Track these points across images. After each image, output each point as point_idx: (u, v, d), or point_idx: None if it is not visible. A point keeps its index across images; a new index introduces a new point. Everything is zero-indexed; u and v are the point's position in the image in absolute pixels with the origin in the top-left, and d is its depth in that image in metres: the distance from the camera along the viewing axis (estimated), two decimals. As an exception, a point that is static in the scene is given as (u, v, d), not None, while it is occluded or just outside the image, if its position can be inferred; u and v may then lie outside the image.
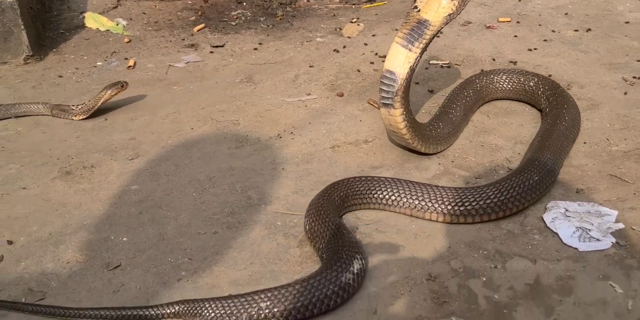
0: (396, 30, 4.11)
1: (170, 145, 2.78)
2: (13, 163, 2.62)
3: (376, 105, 3.08)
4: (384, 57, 3.66)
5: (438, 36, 2.52)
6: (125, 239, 2.16)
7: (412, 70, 2.36)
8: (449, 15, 2.33)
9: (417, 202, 2.23)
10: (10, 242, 2.13)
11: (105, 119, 2.99)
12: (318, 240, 2.04)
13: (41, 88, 3.31)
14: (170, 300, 1.84)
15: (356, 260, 1.91)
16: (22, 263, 2.04)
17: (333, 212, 2.15)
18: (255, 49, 3.85)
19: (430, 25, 2.32)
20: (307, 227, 2.12)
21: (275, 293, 1.80)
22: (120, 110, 3.08)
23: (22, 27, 3.44)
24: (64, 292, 1.92)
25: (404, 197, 2.25)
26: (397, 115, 2.39)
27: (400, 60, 2.34)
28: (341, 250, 1.94)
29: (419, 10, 2.33)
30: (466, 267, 1.99)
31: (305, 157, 2.66)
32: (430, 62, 3.56)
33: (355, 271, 1.88)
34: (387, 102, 2.38)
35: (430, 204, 2.21)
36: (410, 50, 2.33)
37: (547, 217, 2.20)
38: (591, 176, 2.46)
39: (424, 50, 2.37)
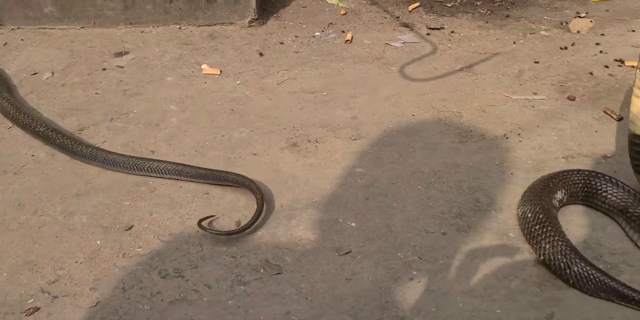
0: (633, 31, 3.71)
1: (391, 129, 2.71)
2: (244, 127, 2.70)
3: (615, 116, 2.79)
4: (620, 61, 3.33)
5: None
6: (353, 224, 2.14)
7: None
8: None
9: None
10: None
11: (326, 94, 2.99)
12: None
13: (265, 53, 3.38)
14: (403, 299, 1.80)
15: None
16: (258, 231, 2.09)
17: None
18: (474, 35, 3.65)
19: None
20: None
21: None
22: (341, 85, 3.06)
23: (252, -10, 3.52)
24: (299, 269, 1.93)
25: None
26: None
27: None
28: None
29: None
30: None
31: (535, 164, 2.48)
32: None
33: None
34: None
35: None
36: None
37: None
38: None
39: None
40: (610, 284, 1.82)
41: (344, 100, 2.94)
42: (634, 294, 1.79)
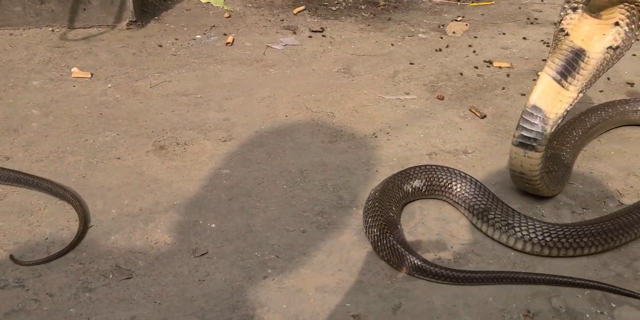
0: (504, 33, 3.92)
1: (263, 130, 2.72)
2: (110, 130, 2.62)
3: (479, 114, 2.92)
4: (489, 62, 3.50)
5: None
6: (213, 225, 2.12)
7: (566, 111, 2.03)
8: (613, 48, 1.94)
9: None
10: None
11: (201, 96, 2.96)
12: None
13: (141, 55, 3.31)
14: (255, 297, 1.79)
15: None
16: (112, 237, 2.03)
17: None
18: (355, 38, 3.73)
19: (586, 57, 1.97)
20: None
21: None
22: (217, 88, 3.04)
23: (129, -9, 3.44)
24: (151, 273, 1.89)
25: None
26: (536, 158, 2.06)
27: (550, 96, 2.01)
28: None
29: (567, 35, 1.99)
30: (569, 308, 1.84)
31: (400, 161, 2.55)
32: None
33: None
34: (528, 143, 2.05)
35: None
36: (563, 86, 2.00)
37: (662, 264, 2.03)
38: None
39: (584, 88, 2.02)
40: (408, 257, 1.92)
41: (218, 102, 2.92)
42: (430, 267, 1.90)
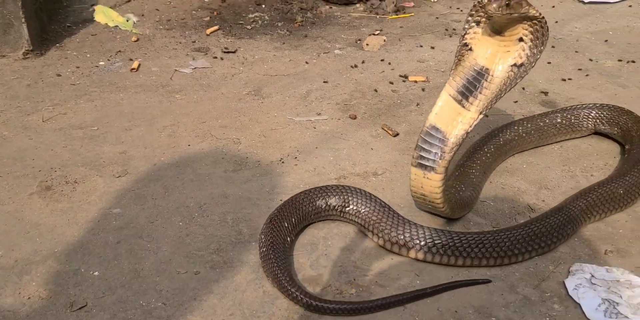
0: (421, 46, 3.86)
1: (162, 162, 2.56)
2: (-10, 172, 2.43)
3: (391, 133, 2.83)
4: (405, 76, 3.43)
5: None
6: (96, 273, 1.95)
7: (466, 132, 1.94)
8: (517, 65, 1.86)
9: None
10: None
11: (97, 128, 2.78)
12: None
13: (36, 87, 3.11)
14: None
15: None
16: (-23, 296, 1.84)
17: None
18: (269, 57, 3.62)
19: (489, 76, 1.88)
20: None
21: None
22: (116, 118, 2.87)
23: (23, 20, 3.24)
24: (18, 335, 1.71)
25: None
26: (436, 180, 1.98)
27: (449, 116, 1.92)
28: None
29: (470, 49, 1.90)
30: None
31: (307, 187, 2.42)
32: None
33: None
34: (427, 165, 1.97)
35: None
36: (464, 106, 1.91)
37: (570, 284, 1.95)
38: (623, 235, 2.21)
39: (486, 109, 1.93)
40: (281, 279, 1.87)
41: (116, 134, 2.75)
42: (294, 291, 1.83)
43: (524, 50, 1.87)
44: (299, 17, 4.28)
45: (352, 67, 3.53)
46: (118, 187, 2.38)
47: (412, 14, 4.49)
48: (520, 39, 1.86)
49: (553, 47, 3.88)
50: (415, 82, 3.37)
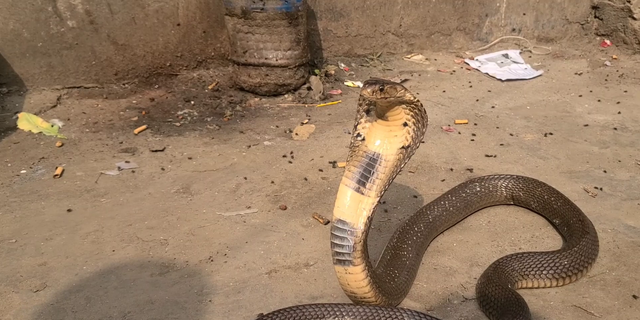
0: (348, 132, 3.96)
1: (85, 271, 2.45)
2: None
3: (322, 221, 2.83)
4: (334, 162, 3.48)
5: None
6: None
7: (369, 219, 1.98)
8: (404, 147, 1.97)
9: None
10: None
11: (16, 240, 2.66)
12: None
13: (-49, 202, 2.99)
14: None
15: None
16: None
17: None
18: (198, 153, 3.62)
19: (383, 160, 1.96)
20: None
21: None
22: (37, 228, 2.76)
23: (-61, 133, 3.17)
24: None
25: None
26: (357, 273, 1.97)
27: (352, 207, 1.96)
28: None
29: (363, 139, 2.00)
30: None
31: (237, 285, 2.36)
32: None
33: None
34: (343, 259, 1.97)
35: None
36: (362, 193, 1.96)
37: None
38: (554, 307, 2.20)
39: (382, 192, 2.00)
40: None
41: (36, 245, 2.63)
42: None
43: (409, 133, 1.98)
44: (228, 110, 4.36)
45: (282, 157, 3.57)
46: (36, 303, 2.24)
47: (340, 101, 4.64)
48: (405, 124, 1.96)
49: (476, 124, 4.05)
50: (344, 167, 3.41)
